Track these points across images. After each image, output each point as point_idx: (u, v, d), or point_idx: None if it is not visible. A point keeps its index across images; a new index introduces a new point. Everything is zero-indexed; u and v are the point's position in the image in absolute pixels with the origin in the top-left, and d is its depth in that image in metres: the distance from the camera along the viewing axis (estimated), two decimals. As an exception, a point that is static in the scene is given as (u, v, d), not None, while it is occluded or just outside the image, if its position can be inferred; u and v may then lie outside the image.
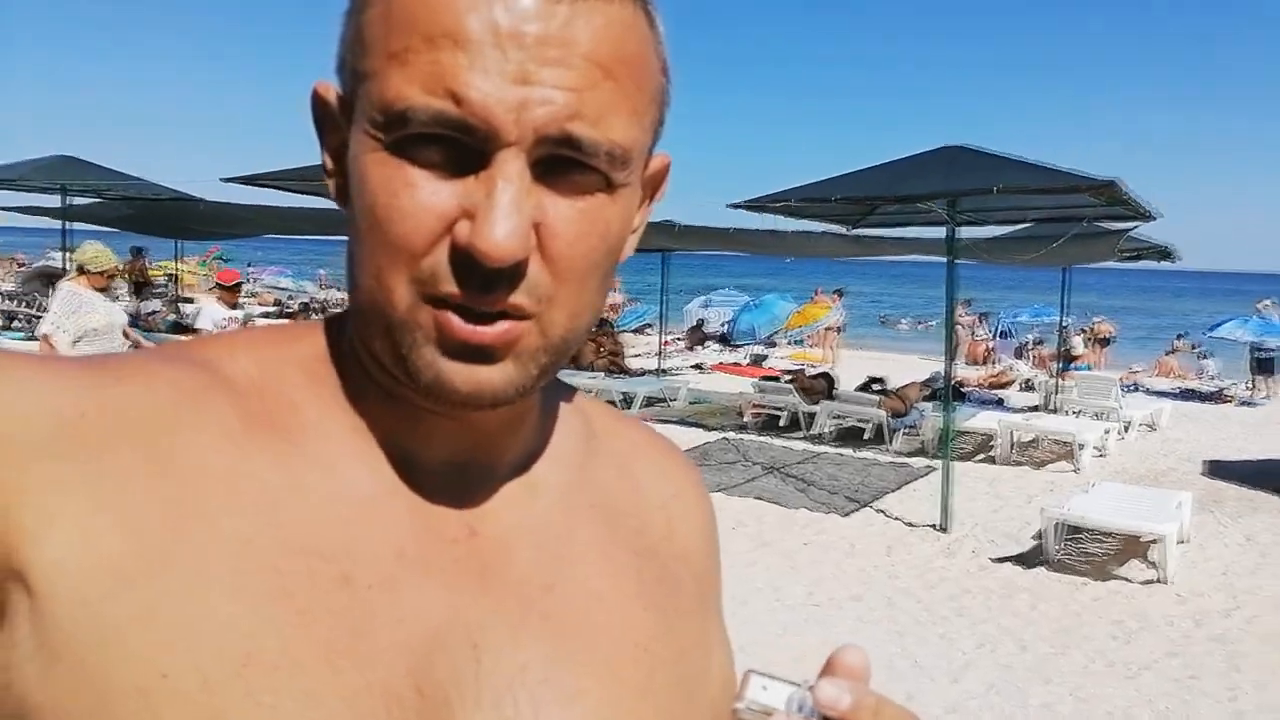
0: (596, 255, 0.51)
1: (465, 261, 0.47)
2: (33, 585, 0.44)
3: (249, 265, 34.89)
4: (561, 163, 0.48)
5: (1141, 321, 35.01)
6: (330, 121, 0.54)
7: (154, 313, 19.55)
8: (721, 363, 18.23)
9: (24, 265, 26.77)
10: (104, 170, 12.69)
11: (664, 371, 15.77)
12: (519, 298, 0.48)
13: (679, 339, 21.33)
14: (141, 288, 21.14)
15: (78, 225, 14.82)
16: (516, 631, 0.53)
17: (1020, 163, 7.23)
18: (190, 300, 23.85)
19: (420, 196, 0.47)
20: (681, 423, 11.43)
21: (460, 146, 0.47)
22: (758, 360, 18.40)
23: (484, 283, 0.47)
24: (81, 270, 6.30)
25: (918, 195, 7.21)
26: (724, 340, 21.72)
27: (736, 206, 8.02)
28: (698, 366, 17.67)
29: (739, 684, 0.50)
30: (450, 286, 0.48)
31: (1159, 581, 6.14)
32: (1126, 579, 6.21)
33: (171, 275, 22.45)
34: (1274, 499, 8.56)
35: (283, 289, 27.57)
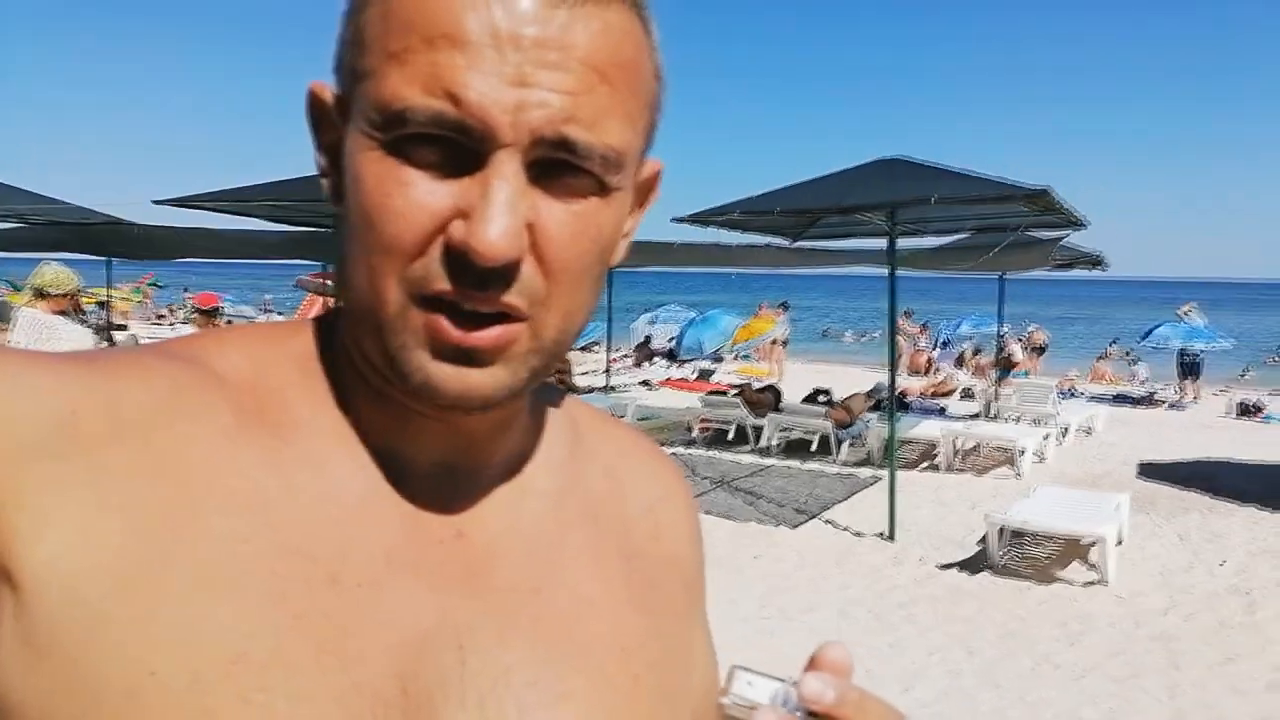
0: (589, 258, 0.51)
1: (459, 260, 0.47)
2: (20, 583, 0.43)
3: (185, 290, 34.11)
4: (556, 165, 0.49)
5: (1076, 329, 36.05)
6: (326, 121, 0.54)
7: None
8: (669, 378, 18.26)
9: None
10: (28, 194, 12.26)
11: (611, 389, 15.74)
12: (512, 298, 0.49)
13: (626, 356, 21.34)
14: (71, 315, 20.48)
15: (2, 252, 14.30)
16: (503, 633, 0.54)
17: (957, 173, 7.38)
18: (123, 327, 23.23)
19: (415, 196, 0.47)
20: (630, 439, 11.38)
21: (456, 147, 0.47)
22: (705, 375, 18.46)
23: (477, 282, 0.47)
24: (40, 294, 5.96)
25: (858, 206, 7.30)
26: (671, 356, 21.78)
27: (681, 221, 8.05)
28: (645, 383, 17.67)
29: (724, 679, 0.51)
30: (443, 284, 0.48)
31: (1100, 583, 6.26)
32: (1069, 581, 6.32)
33: (102, 302, 21.79)
34: (1203, 498, 8.82)
35: (248, 318, 26.94)
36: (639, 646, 0.58)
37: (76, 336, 5.76)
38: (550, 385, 0.66)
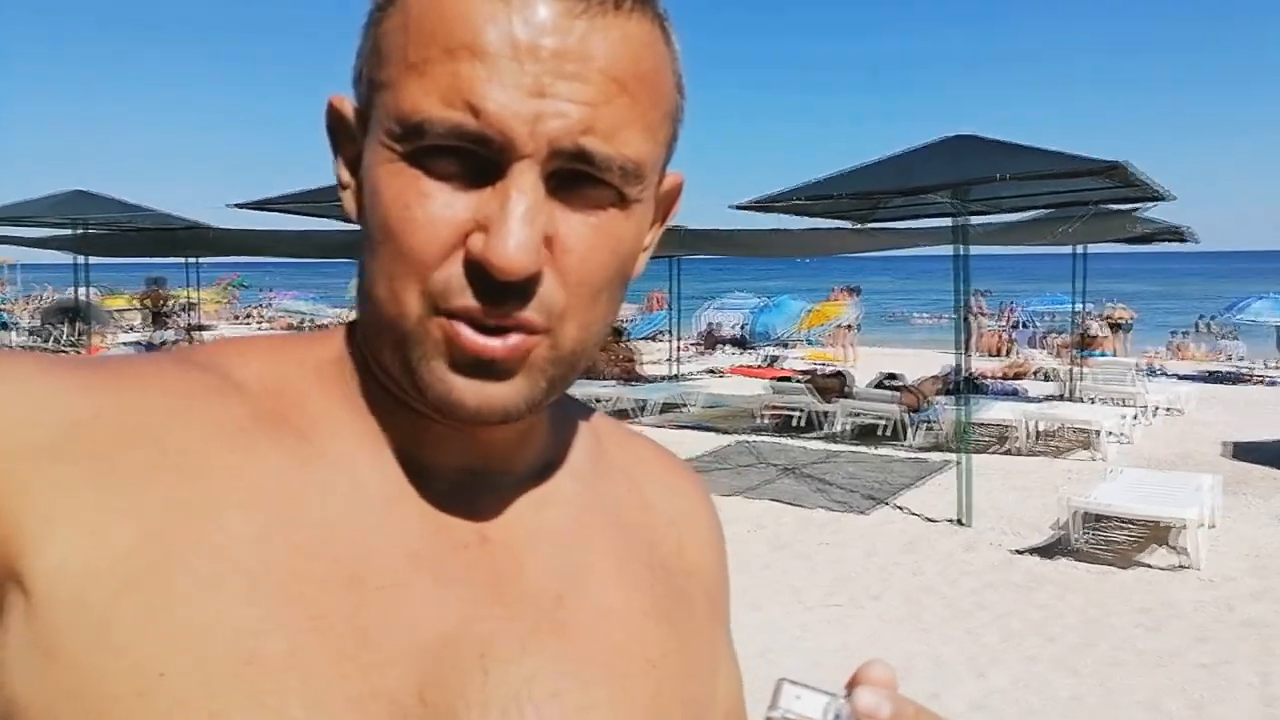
0: (609, 271, 0.51)
1: (478, 274, 0.47)
2: (30, 587, 0.43)
3: (269, 290, 35.25)
4: (575, 177, 0.48)
5: (1162, 305, 34.64)
6: (345, 134, 0.55)
7: (174, 341, 19.76)
8: (737, 365, 18.17)
9: (42, 299, 27.16)
10: (117, 203, 12.84)
11: (679, 377, 15.74)
12: (531, 313, 0.48)
13: (694, 343, 21.29)
14: (159, 317, 21.38)
15: (94, 259, 15.01)
16: (525, 642, 0.53)
17: (1027, 149, 7.17)
18: (207, 328, 24.13)
19: (434, 208, 0.47)
20: (697, 427, 11.39)
21: (476, 158, 0.47)
22: (773, 361, 18.33)
23: (497, 296, 0.47)
24: None
25: (924, 187, 7.15)
26: (739, 343, 21.66)
27: (741, 207, 7.98)
28: (713, 371, 17.63)
29: (772, 693, 0.49)
30: (463, 300, 0.47)
31: (1186, 567, 6.04)
32: (1153, 566, 6.11)
33: (187, 304, 22.66)
34: (1303, 479, 8.41)
35: (299, 312, 27.75)
36: (662, 658, 0.57)
37: None
38: (572, 398, 0.66)
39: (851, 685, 0.49)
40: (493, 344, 0.48)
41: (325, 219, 10.73)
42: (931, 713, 0.50)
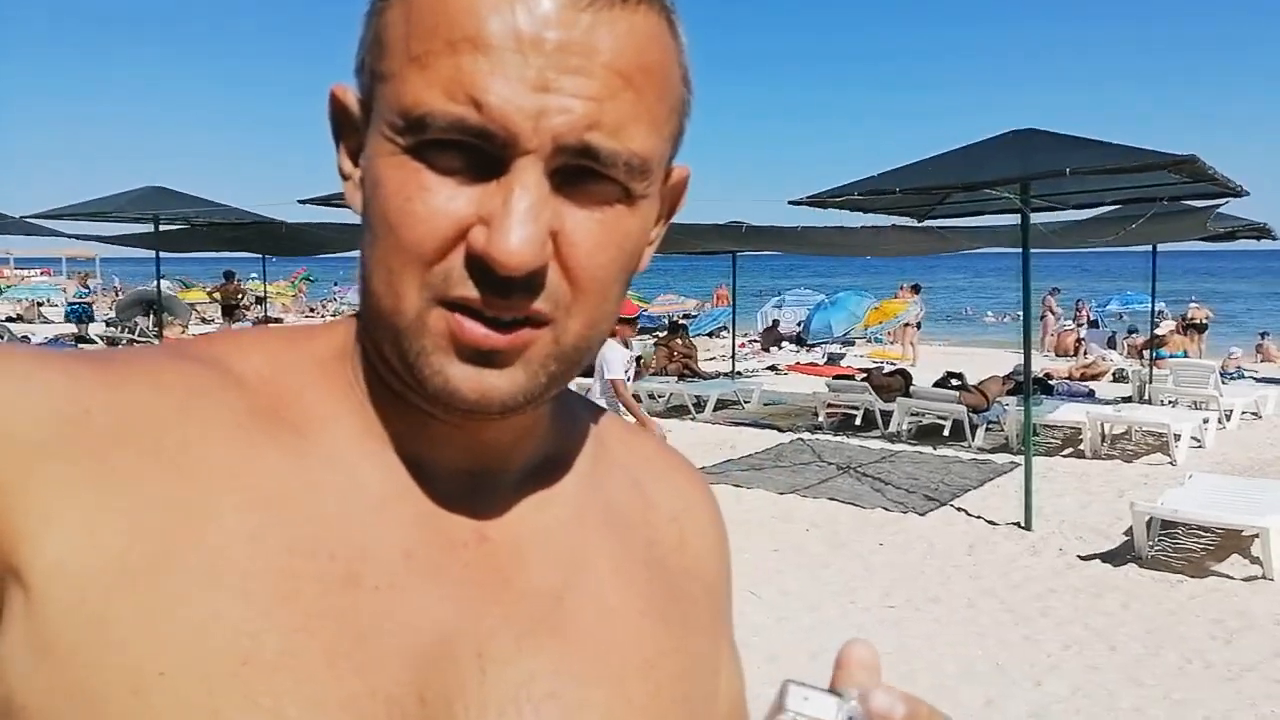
0: (615, 267, 0.50)
1: (479, 269, 0.46)
2: (29, 584, 0.43)
3: (335, 284, 36.08)
4: (580, 173, 0.48)
5: (1243, 306, 33.26)
6: (348, 125, 0.54)
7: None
8: (797, 363, 18.00)
9: (120, 292, 28.24)
10: (192, 199, 13.24)
11: (738, 374, 15.66)
12: (538, 304, 0.48)
13: (754, 340, 21.16)
14: (232, 310, 22.07)
15: (168, 253, 15.51)
16: (523, 641, 0.53)
17: (1095, 142, 6.95)
18: (279, 321, 24.80)
19: (436, 201, 0.47)
20: (755, 424, 11.32)
21: (479, 152, 0.46)
22: (834, 359, 18.11)
23: (500, 289, 0.47)
24: None
25: (987, 181, 6.98)
26: (799, 340, 21.46)
27: (798, 203, 7.89)
28: (773, 368, 17.49)
29: (777, 694, 0.48)
30: (466, 291, 0.47)
31: (1263, 578, 5.79)
32: (1227, 576, 5.88)
33: (260, 297, 23.32)
34: (1393, 488, 8.00)
35: (365, 306, 28.23)
36: (660, 658, 0.57)
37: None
38: (575, 394, 0.66)
39: (838, 668, 0.48)
40: (495, 335, 0.48)
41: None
42: (942, 714, 0.49)
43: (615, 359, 6.67)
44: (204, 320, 25.62)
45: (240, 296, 23.36)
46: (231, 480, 0.48)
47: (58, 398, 0.46)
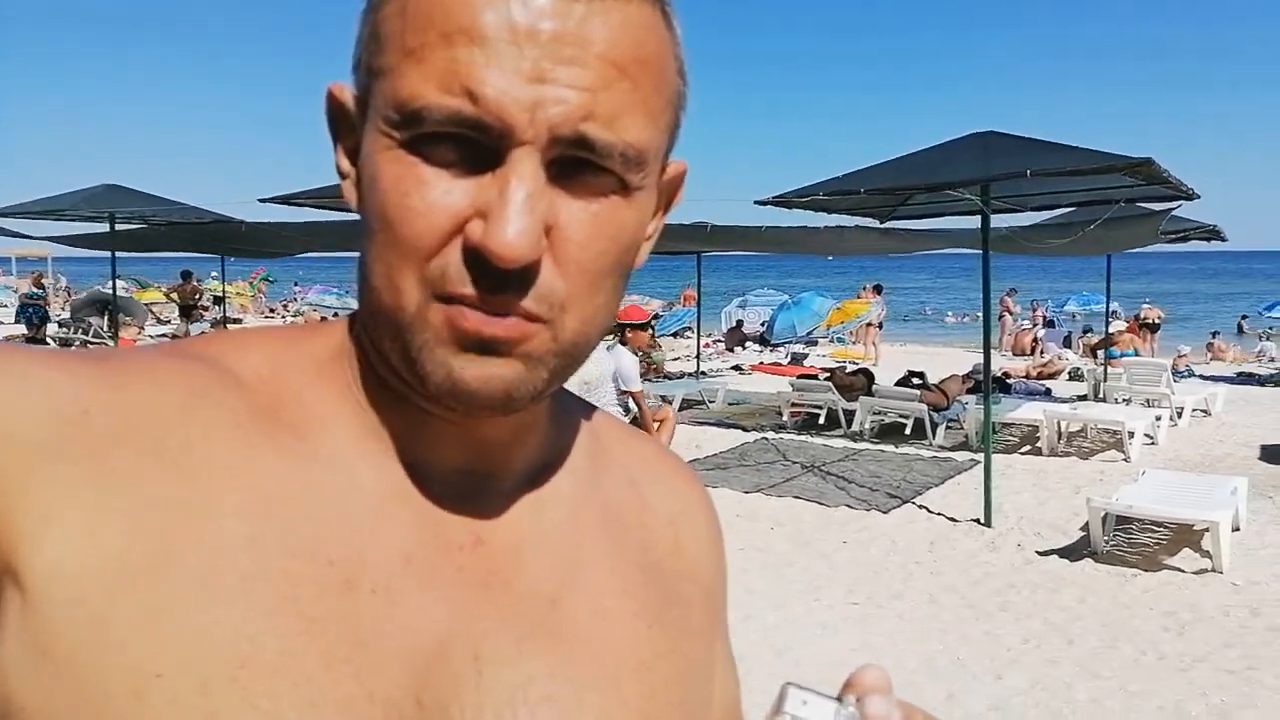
0: (609, 260, 0.50)
1: (476, 261, 0.46)
2: (26, 584, 0.43)
3: (295, 284, 35.60)
4: (575, 164, 0.48)
5: (1193, 306, 34.06)
6: (345, 122, 0.54)
7: (202, 334, 19.94)
8: (761, 363, 18.11)
9: (73, 293, 27.61)
10: (148, 197, 12.99)
11: (702, 373, 15.72)
12: (530, 304, 0.48)
13: (718, 340, 21.24)
14: (190, 310, 21.68)
15: (124, 253, 15.20)
16: (520, 645, 0.53)
17: (1054, 145, 7.07)
18: (238, 322, 24.40)
19: (432, 195, 0.47)
20: (719, 424, 11.37)
21: (474, 145, 0.46)
22: (797, 359, 18.25)
23: (496, 284, 0.47)
24: None
25: (949, 183, 7.08)
26: (763, 340, 21.58)
27: (764, 203, 7.95)
28: (737, 368, 17.58)
29: (776, 698, 0.49)
30: (462, 287, 0.47)
31: (1213, 571, 5.94)
32: (1179, 569, 6.02)
33: (218, 298, 22.92)
34: (1336, 483, 8.25)
35: (327, 306, 28.00)
36: (656, 660, 0.57)
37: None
38: (573, 395, 0.66)
39: (847, 690, 0.49)
40: (495, 321, 0.48)
41: (354, 213, 10.78)
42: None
43: (631, 369, 5.89)
44: (160, 321, 25.14)
45: (198, 297, 22.95)
46: (231, 481, 0.48)
47: (57, 397, 0.46)
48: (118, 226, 12.64)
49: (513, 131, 0.46)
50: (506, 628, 0.53)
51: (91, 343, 17.98)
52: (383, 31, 0.49)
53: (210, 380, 0.51)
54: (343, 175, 0.55)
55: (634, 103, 0.48)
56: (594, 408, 0.69)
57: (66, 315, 21.35)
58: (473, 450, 0.55)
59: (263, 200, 10.56)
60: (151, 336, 20.43)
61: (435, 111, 0.46)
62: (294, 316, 28.64)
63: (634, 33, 0.48)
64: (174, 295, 24.12)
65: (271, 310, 31.36)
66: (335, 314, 26.43)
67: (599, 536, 0.60)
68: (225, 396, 0.50)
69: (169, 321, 24.68)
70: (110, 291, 16.01)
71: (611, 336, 5.55)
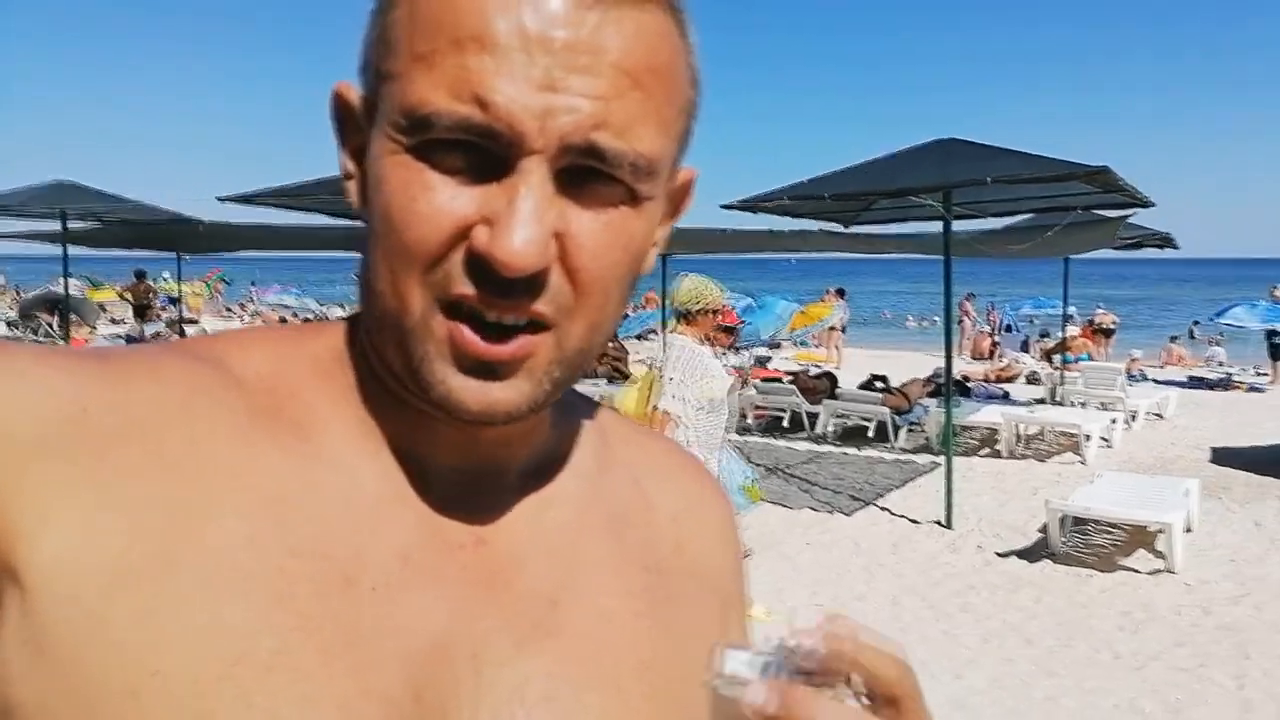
0: (620, 269, 0.50)
1: (481, 269, 0.46)
2: (25, 582, 0.43)
3: (252, 284, 35.05)
4: (586, 173, 0.47)
5: (1146, 312, 34.85)
6: (351, 123, 0.53)
7: (157, 334, 19.61)
8: (724, 366, 18.16)
9: (20, 294, 26.93)
10: (102, 194, 12.72)
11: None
12: (540, 305, 0.48)
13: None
14: (144, 310, 21.24)
15: (78, 250, 14.87)
16: (520, 645, 0.52)
17: (1014, 153, 7.19)
18: (193, 322, 23.94)
19: (439, 201, 0.46)
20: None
21: (483, 152, 0.46)
22: (761, 362, 18.34)
23: (501, 290, 0.46)
24: (686, 317, 4.65)
25: (911, 189, 7.17)
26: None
27: (729, 207, 8.00)
28: (701, 370, 17.60)
29: (708, 659, 0.48)
30: (465, 289, 0.47)
31: (1166, 571, 6.08)
32: (1133, 570, 6.15)
33: (173, 298, 22.50)
34: (1282, 484, 8.47)
35: (286, 307, 27.60)
36: (657, 660, 0.57)
37: (721, 375, 4.61)
38: (579, 393, 0.65)
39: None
40: (497, 348, 0.48)
41: (315, 214, 10.66)
42: (874, 646, 0.47)
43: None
44: (114, 321, 24.60)
45: (152, 296, 22.50)
46: (231, 480, 0.48)
47: (56, 396, 0.46)
48: (70, 225, 12.35)
49: (523, 139, 0.45)
50: (506, 628, 0.53)
51: (42, 343, 17.54)
52: (391, 36, 0.48)
53: (211, 379, 0.51)
54: (347, 176, 0.55)
55: (646, 112, 0.48)
56: (599, 405, 0.68)
57: (15, 315, 20.80)
58: (474, 451, 0.55)
59: (221, 199, 10.39)
60: (105, 337, 19.98)
61: (444, 118, 0.45)
62: (251, 317, 28.21)
63: (648, 41, 0.48)
64: (127, 295, 23.64)
65: (228, 310, 30.84)
66: (294, 314, 26.19)
67: (602, 536, 0.60)
68: (226, 396, 0.50)
69: (122, 322, 24.16)
70: (62, 290, 15.65)
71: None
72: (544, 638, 0.53)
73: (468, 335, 0.47)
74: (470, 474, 0.55)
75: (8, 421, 0.44)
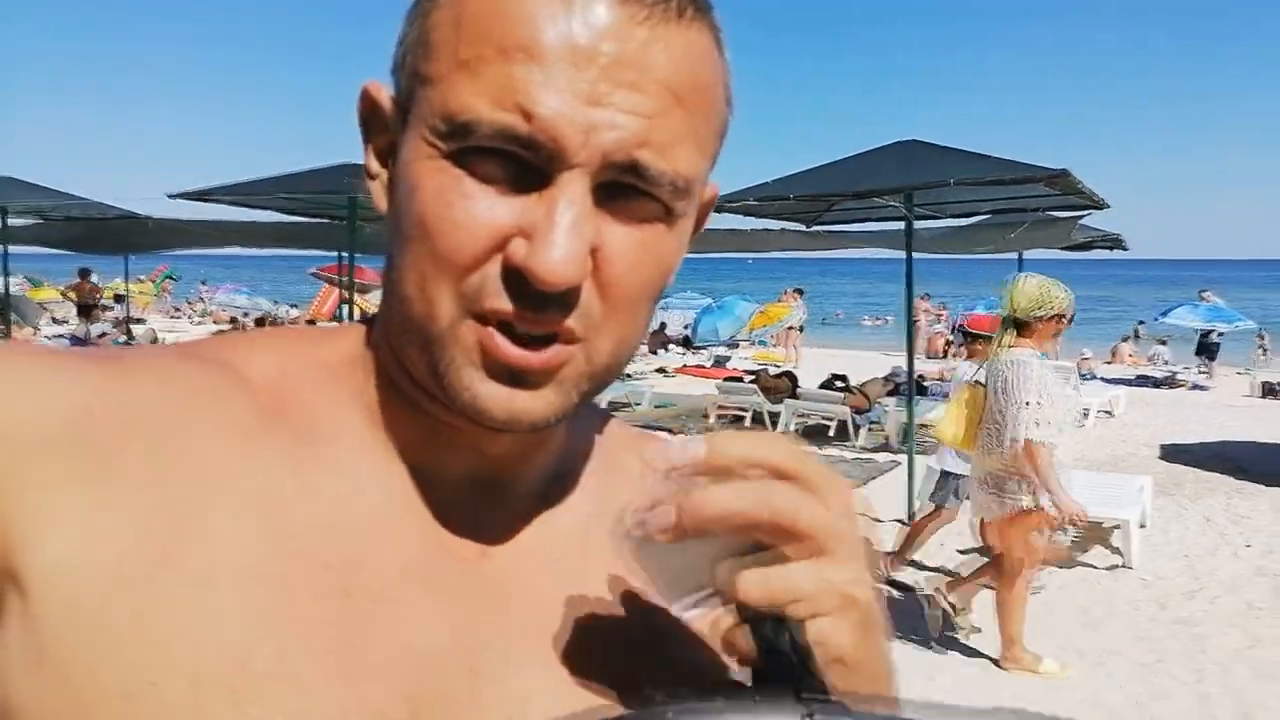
0: (651, 286, 0.50)
1: (517, 281, 0.46)
2: (26, 586, 0.43)
3: (202, 283, 34.35)
4: (623, 189, 0.47)
5: (1094, 311, 35.70)
6: (379, 122, 0.53)
7: (103, 334, 19.11)
8: (685, 365, 18.22)
9: None
10: (46, 190, 12.35)
11: (627, 376, 15.72)
12: (570, 321, 0.47)
13: (641, 343, 21.25)
14: (90, 310, 20.66)
15: (19, 249, 14.43)
16: (521, 661, 0.52)
17: (975, 155, 7.30)
18: (142, 321, 23.37)
19: (475, 210, 0.46)
20: (646, 426, 11.33)
21: (522, 163, 0.46)
22: (720, 362, 18.42)
23: (535, 304, 0.46)
24: (1023, 327, 4.18)
25: (875, 190, 7.24)
26: (686, 343, 21.72)
27: (693, 207, 7.98)
28: (661, 370, 17.65)
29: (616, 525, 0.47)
30: (499, 303, 0.46)
31: (1123, 567, 6.20)
32: (1091, 565, 6.26)
33: (119, 296, 21.95)
34: (1228, 480, 8.72)
35: (237, 306, 27.06)
36: (661, 676, 0.55)
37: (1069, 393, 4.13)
38: (589, 404, 0.65)
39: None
40: (529, 355, 0.46)
41: (267, 210, 10.47)
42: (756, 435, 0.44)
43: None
44: (56, 321, 23.90)
45: (97, 296, 21.91)
46: (233, 484, 0.47)
47: (58, 396, 0.45)
48: (10, 221, 11.97)
49: (565, 153, 0.45)
50: (506, 642, 0.52)
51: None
52: (433, 39, 0.47)
53: (216, 381, 0.50)
54: (371, 176, 0.54)
55: (687, 132, 0.47)
56: (609, 415, 0.68)
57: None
58: (483, 461, 0.54)
59: (173, 196, 10.14)
60: (48, 337, 19.39)
61: (486, 126, 0.45)
62: (201, 317, 27.62)
63: (693, 60, 0.47)
64: (71, 294, 22.98)
65: (177, 310, 30.20)
66: (245, 314, 25.67)
67: (607, 550, 0.58)
68: (231, 398, 0.50)
69: (66, 321, 23.49)
70: (1, 290, 15.15)
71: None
72: (545, 654, 0.53)
73: (499, 341, 0.47)
74: (478, 485, 0.55)
75: (10, 422, 0.44)
